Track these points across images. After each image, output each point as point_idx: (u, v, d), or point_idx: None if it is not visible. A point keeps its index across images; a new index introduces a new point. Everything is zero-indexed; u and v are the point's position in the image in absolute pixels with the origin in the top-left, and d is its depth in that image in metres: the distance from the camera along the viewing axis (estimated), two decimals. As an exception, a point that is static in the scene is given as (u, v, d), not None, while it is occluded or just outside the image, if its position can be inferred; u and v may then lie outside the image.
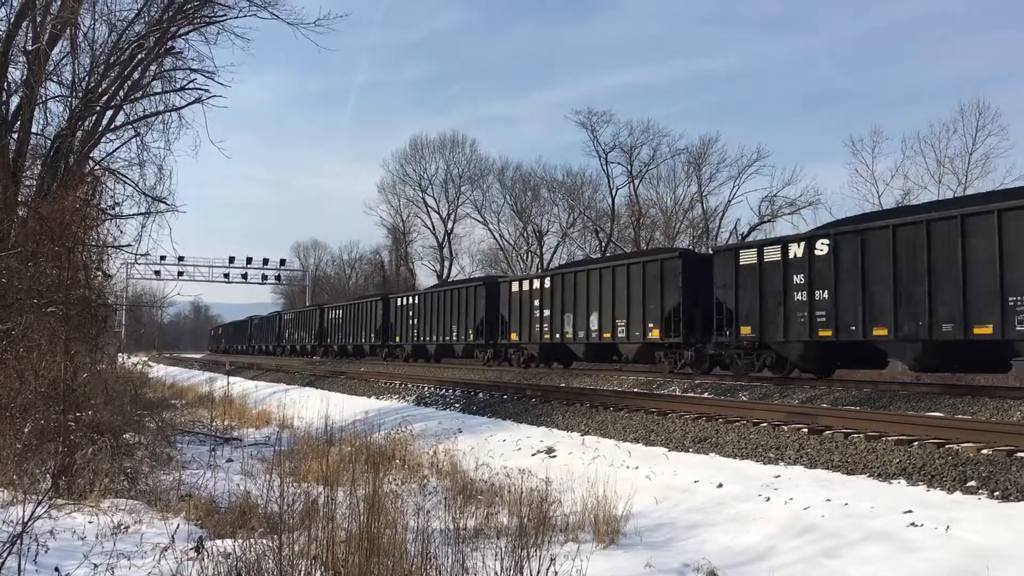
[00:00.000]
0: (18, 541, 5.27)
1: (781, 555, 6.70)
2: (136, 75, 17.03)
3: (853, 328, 15.42)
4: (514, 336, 27.10)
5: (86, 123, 16.64)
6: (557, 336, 24.71)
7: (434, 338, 33.37)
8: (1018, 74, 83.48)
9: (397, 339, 37.19)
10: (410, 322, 35.74)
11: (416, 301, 35.49)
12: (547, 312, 25.21)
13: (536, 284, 26.22)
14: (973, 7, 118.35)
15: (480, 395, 18.58)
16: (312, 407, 17.76)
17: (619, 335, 22.03)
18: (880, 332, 14.98)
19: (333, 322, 47.09)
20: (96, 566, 5.92)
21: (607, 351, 23.68)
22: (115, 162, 17.69)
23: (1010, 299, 12.93)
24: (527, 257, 58.79)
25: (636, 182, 53.48)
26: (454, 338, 31.73)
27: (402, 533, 5.98)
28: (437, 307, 33.11)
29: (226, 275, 69.32)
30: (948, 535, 6.41)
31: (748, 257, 17.95)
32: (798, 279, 16.54)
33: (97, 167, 16.92)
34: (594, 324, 22.99)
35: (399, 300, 37.75)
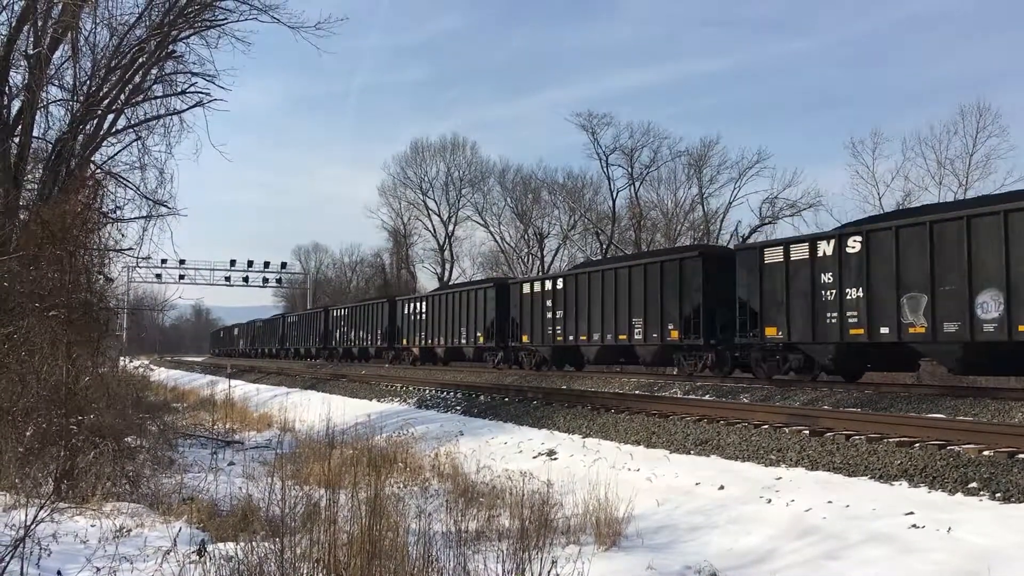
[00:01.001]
0: (21, 545, 5.28)
1: (782, 557, 6.70)
2: (137, 79, 17.05)
3: None
4: (773, 331, 17.54)
5: (87, 127, 16.67)
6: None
7: (596, 337, 23.27)
8: (1018, 75, 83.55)
9: (524, 339, 27.26)
10: (548, 315, 25.74)
11: (560, 286, 25.35)
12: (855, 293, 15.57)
13: (829, 248, 16.23)
14: (973, 8, 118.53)
15: (481, 397, 18.58)
16: (313, 410, 17.79)
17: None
18: None
19: (409, 319, 36.51)
20: (98, 569, 5.93)
21: None
22: (116, 166, 17.73)
23: None
24: (528, 260, 58.80)
25: (637, 184, 53.46)
26: (637, 335, 21.72)
27: (404, 536, 5.99)
28: (598, 291, 23.14)
29: (227, 278, 69.45)
30: (950, 536, 6.41)
31: None
32: None
33: (98, 171, 16.92)
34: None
35: (526, 287, 27.46)
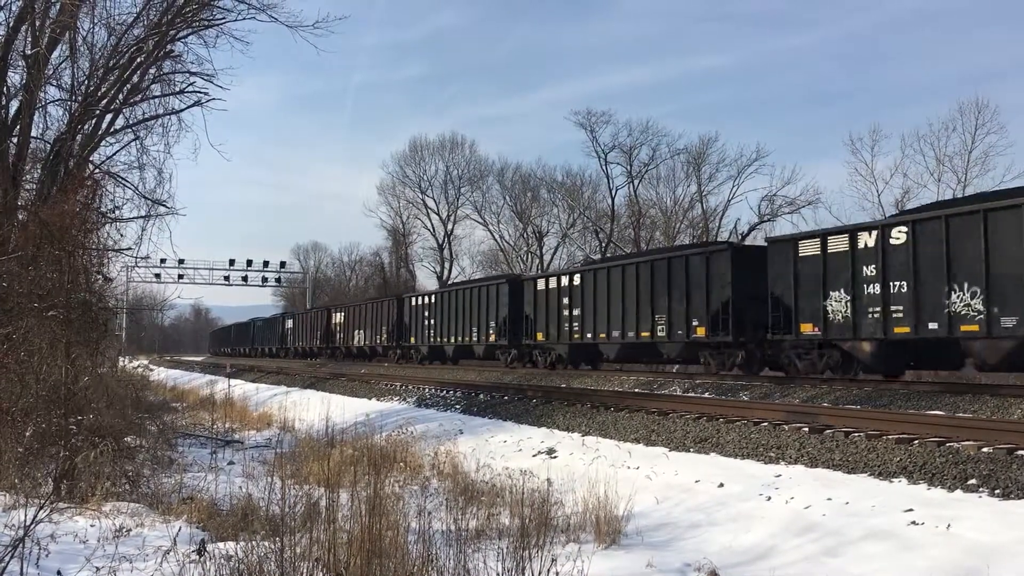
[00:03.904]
0: (20, 545, 5.28)
1: (782, 554, 6.71)
2: (135, 79, 17.02)
3: None
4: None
5: (85, 127, 16.65)
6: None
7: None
8: (1017, 71, 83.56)
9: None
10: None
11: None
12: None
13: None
14: (971, 5, 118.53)
15: (481, 396, 18.58)
16: (313, 409, 17.78)
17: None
18: None
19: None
20: (98, 569, 5.93)
21: None
22: (115, 165, 17.72)
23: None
24: (527, 258, 58.76)
25: (636, 182, 53.41)
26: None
27: (404, 534, 5.99)
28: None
29: (226, 278, 69.31)
30: (949, 533, 6.41)
31: None
32: None
33: (97, 171, 16.91)
34: None
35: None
